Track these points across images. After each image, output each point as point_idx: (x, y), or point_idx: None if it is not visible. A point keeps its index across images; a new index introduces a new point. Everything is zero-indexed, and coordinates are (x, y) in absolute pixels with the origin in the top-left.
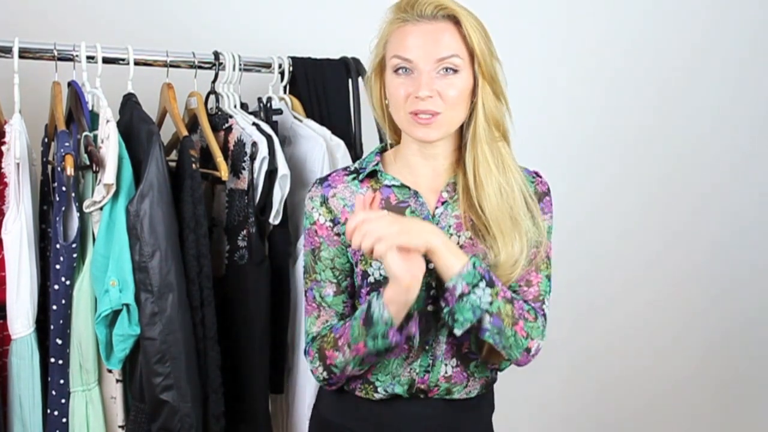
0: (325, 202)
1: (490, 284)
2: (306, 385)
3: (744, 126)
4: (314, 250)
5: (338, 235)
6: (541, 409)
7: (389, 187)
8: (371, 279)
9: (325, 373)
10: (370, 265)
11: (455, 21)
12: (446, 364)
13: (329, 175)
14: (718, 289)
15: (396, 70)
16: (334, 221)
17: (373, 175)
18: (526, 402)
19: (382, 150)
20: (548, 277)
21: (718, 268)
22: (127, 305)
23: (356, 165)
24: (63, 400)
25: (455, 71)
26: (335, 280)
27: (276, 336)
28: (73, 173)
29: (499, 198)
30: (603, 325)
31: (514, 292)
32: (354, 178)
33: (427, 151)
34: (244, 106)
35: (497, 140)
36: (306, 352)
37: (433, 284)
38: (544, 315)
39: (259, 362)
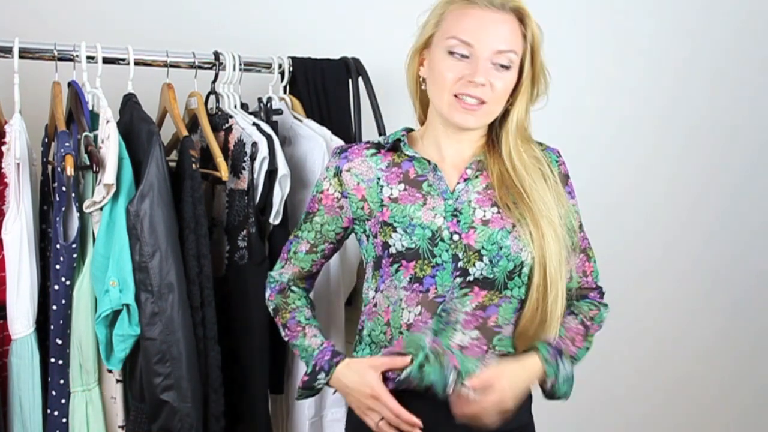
0: (338, 174)
1: (563, 354)
2: None
3: (755, 130)
4: (309, 213)
5: (341, 208)
6: (543, 409)
7: (410, 160)
8: (393, 250)
9: (270, 311)
10: (391, 237)
11: (519, 17)
12: (464, 333)
13: (350, 146)
14: (720, 289)
15: (450, 52)
16: (343, 194)
17: (395, 149)
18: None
19: (409, 130)
20: (595, 261)
21: (719, 270)
22: (127, 305)
23: (380, 139)
24: (63, 401)
25: (507, 67)
26: (313, 241)
27: (276, 337)
28: (73, 173)
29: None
30: (609, 324)
31: (579, 289)
32: (374, 153)
33: (455, 135)
34: (244, 106)
35: (528, 140)
36: (268, 288)
37: (460, 255)
38: (602, 294)
39: (259, 362)
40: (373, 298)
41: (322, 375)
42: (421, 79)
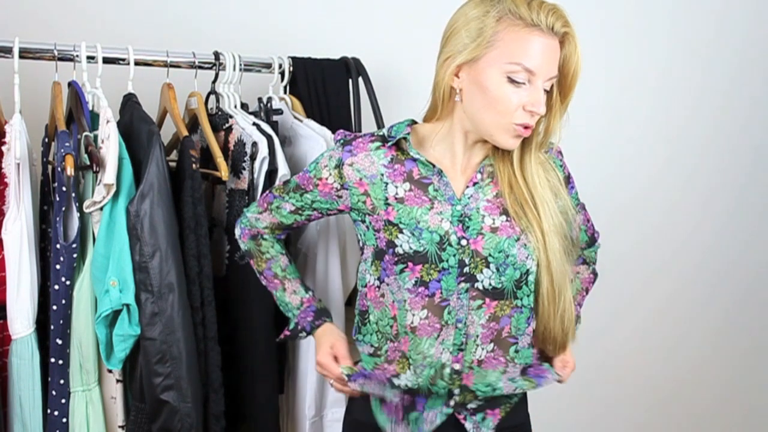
0: (339, 166)
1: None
2: (306, 385)
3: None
4: (300, 187)
5: (339, 197)
6: (541, 409)
7: (414, 160)
8: (399, 250)
9: (244, 254)
10: (397, 237)
11: (561, 40)
12: (482, 348)
13: (355, 138)
14: (723, 291)
15: (511, 78)
16: (343, 186)
17: (399, 146)
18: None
19: (413, 123)
20: (584, 207)
21: (721, 272)
22: (128, 305)
23: (385, 131)
24: (63, 401)
25: (547, 91)
26: (299, 206)
27: (276, 336)
28: (73, 173)
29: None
30: (612, 324)
31: (591, 237)
32: (379, 147)
33: (475, 144)
34: (244, 106)
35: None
36: (239, 227)
37: (466, 261)
38: (596, 234)
39: (265, 362)
40: (378, 287)
41: (303, 333)
42: (458, 89)
